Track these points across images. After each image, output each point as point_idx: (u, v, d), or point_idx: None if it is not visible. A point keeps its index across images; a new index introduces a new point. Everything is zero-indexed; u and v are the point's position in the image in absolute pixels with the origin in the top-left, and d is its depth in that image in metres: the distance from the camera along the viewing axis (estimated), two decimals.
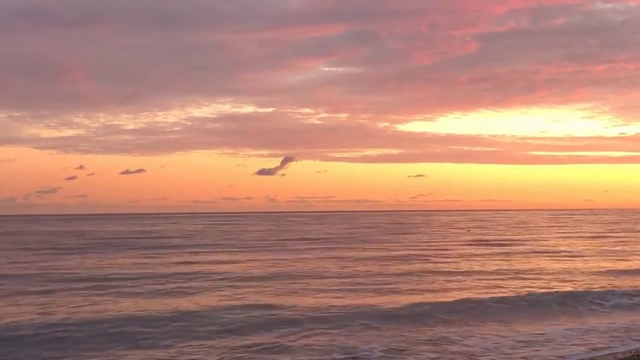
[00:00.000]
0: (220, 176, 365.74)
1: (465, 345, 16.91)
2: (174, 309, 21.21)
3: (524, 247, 52.53)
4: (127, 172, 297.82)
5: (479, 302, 22.55)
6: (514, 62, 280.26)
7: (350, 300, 23.31)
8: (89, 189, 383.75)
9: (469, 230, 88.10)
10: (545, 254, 44.32)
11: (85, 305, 22.14)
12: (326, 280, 29.37)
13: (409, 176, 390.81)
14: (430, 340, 17.35)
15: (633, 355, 15.73)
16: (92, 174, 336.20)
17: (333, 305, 21.90)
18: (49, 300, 23.43)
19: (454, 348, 16.53)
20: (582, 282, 28.57)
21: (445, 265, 36.68)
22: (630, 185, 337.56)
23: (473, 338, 17.70)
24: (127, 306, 22.06)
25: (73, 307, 21.80)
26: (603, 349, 16.74)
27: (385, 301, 23.03)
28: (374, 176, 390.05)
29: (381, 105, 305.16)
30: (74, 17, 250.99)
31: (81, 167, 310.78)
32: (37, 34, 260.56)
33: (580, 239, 64.40)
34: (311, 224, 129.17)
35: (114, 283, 28.70)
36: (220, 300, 23.32)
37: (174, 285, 27.66)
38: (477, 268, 34.83)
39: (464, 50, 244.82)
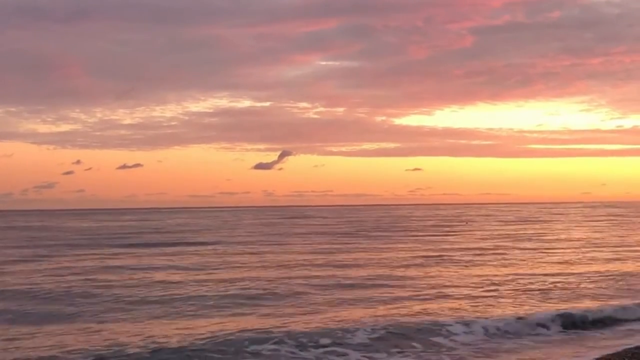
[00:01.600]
0: (218, 171, 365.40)
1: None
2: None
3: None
4: (124, 166, 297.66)
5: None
6: (510, 56, 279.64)
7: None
8: (87, 183, 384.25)
9: (466, 225, 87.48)
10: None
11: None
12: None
13: (406, 170, 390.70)
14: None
15: (628, 354, 15.02)
16: (90, 168, 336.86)
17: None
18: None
19: None
20: None
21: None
22: (628, 178, 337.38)
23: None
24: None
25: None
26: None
27: None
28: (371, 170, 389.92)
29: (378, 99, 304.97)
30: (70, 13, 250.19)
31: (78, 162, 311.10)
32: (34, 29, 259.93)
33: None
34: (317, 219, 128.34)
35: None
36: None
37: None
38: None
39: (460, 43, 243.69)
